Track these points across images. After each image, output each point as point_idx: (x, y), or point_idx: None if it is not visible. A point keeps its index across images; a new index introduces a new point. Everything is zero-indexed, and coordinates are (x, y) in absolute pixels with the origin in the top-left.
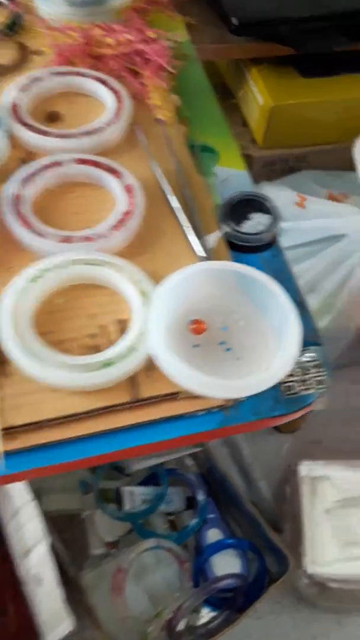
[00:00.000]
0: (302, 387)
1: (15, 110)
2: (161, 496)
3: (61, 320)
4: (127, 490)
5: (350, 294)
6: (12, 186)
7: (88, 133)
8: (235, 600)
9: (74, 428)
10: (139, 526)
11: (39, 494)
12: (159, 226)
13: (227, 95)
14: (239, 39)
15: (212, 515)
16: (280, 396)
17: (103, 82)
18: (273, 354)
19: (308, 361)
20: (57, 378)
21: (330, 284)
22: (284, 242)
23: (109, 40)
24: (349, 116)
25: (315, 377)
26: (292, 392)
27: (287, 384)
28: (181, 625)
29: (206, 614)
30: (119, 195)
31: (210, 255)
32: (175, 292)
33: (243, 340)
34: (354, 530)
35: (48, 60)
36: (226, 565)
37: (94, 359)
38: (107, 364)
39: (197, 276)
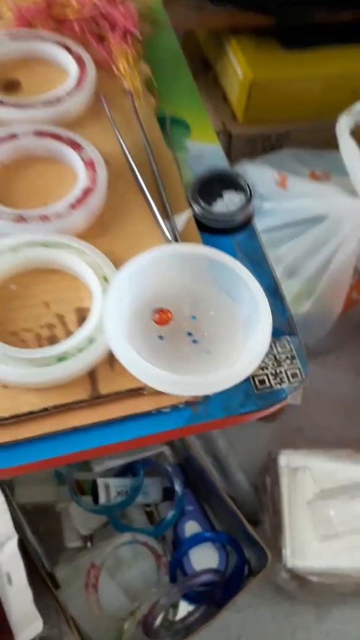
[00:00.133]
0: (275, 381)
1: None
2: (137, 488)
3: (13, 310)
4: (102, 482)
5: (332, 277)
6: None
7: (47, 103)
8: (213, 595)
9: (28, 428)
10: (114, 519)
11: (11, 485)
12: (123, 205)
13: (207, 69)
14: (218, 8)
15: (190, 507)
16: (251, 391)
17: (66, 48)
18: (243, 346)
19: (281, 352)
20: (7, 374)
21: (311, 267)
22: (264, 223)
23: (73, 1)
24: (332, 91)
25: (289, 369)
26: (264, 386)
27: (259, 378)
28: (158, 622)
29: (184, 609)
30: (80, 171)
31: (179, 237)
32: (137, 277)
33: (212, 332)
34: (333, 523)
35: (7, 23)
36: (204, 559)
37: (48, 352)
38: (62, 357)
39: (163, 261)
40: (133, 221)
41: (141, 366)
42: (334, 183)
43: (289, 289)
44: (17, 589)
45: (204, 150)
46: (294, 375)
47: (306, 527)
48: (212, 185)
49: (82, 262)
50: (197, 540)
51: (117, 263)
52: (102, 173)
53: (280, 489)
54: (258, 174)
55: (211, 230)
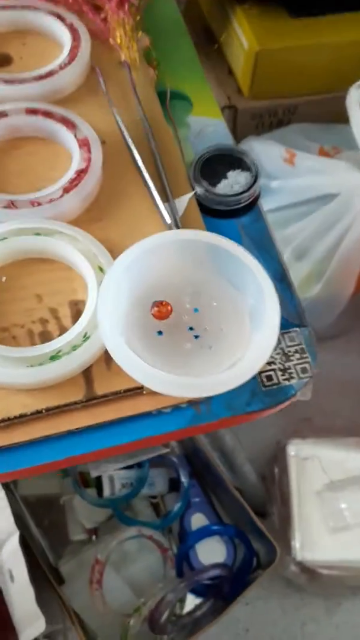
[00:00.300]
0: (284, 377)
1: None
2: (142, 480)
3: (3, 303)
4: (106, 474)
5: (343, 258)
6: None
7: (39, 78)
8: (221, 588)
9: (20, 431)
10: (119, 512)
11: None
12: (120, 187)
13: (210, 39)
14: None
15: (196, 499)
16: (258, 388)
17: (59, 17)
18: (248, 341)
19: (290, 346)
20: None
21: (321, 248)
22: (271, 202)
23: None
24: (343, 61)
25: (298, 364)
26: (272, 382)
27: (266, 373)
28: (164, 618)
29: (190, 602)
30: (74, 151)
31: (179, 221)
32: (134, 267)
33: (215, 325)
34: (344, 515)
35: None
36: (211, 552)
37: (40, 350)
38: (55, 356)
39: (162, 248)
40: (130, 205)
41: (138, 366)
42: (345, 159)
43: (298, 271)
44: (19, 586)
45: (207, 126)
46: (303, 370)
47: (316, 519)
48: (215, 165)
49: (75, 250)
50: (204, 533)
51: (114, 251)
52: (97, 153)
53: (289, 479)
54: (264, 150)
55: (215, 213)
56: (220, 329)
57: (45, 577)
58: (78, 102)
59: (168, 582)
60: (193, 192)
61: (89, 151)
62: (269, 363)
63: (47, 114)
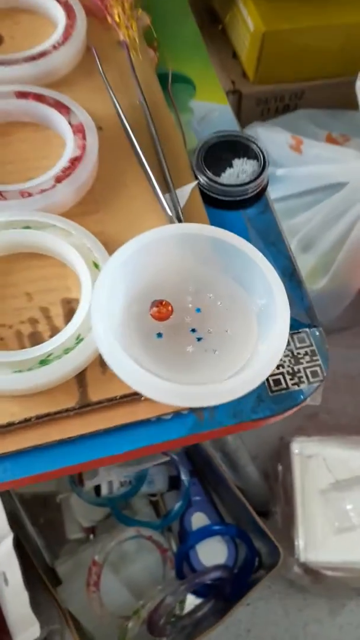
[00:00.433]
0: (293, 381)
1: None
2: (141, 478)
3: None
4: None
5: (351, 250)
6: None
7: (30, 59)
8: (222, 589)
9: (8, 441)
10: (117, 511)
11: None
12: (118, 177)
13: (214, 20)
14: None
15: (197, 498)
16: (265, 393)
17: None
18: (256, 345)
19: (300, 347)
20: None
21: (329, 239)
22: (277, 191)
23: None
24: (352, 44)
25: (308, 367)
26: (280, 387)
27: (274, 377)
28: (163, 620)
29: (191, 602)
30: (68, 138)
31: (181, 214)
32: (132, 264)
33: (220, 327)
34: (349, 515)
35: None
36: (212, 552)
37: (27, 354)
38: (44, 360)
39: (162, 243)
40: (128, 196)
41: (134, 373)
42: (354, 146)
43: (304, 263)
44: (12, 589)
45: (212, 111)
46: (314, 374)
47: (320, 519)
48: (220, 152)
49: (68, 245)
50: (204, 533)
51: (110, 246)
52: (93, 140)
53: (293, 477)
54: (270, 137)
55: (219, 204)
56: (225, 331)
57: (41, 578)
58: (73, 85)
59: (167, 584)
60: (196, 182)
61: (84, 138)
62: (277, 366)
63: (39, 98)
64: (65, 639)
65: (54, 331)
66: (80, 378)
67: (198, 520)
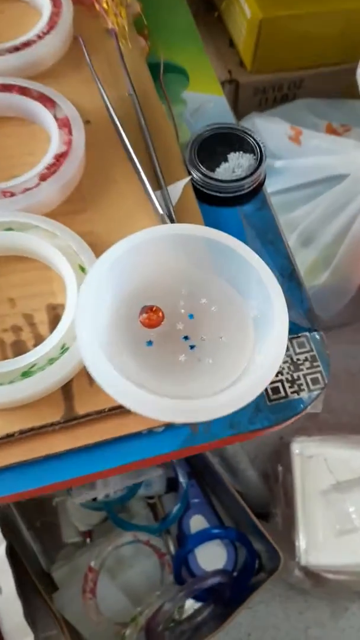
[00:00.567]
0: (292, 389)
1: None
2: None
3: None
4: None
5: (352, 244)
6: None
7: (14, 49)
8: (222, 593)
9: None
10: (114, 515)
11: None
12: (106, 174)
13: (210, 8)
14: None
15: (195, 500)
16: (263, 402)
17: None
18: (253, 353)
19: (300, 353)
20: None
21: (329, 233)
22: (275, 184)
23: None
24: (353, 30)
25: (309, 374)
26: (279, 395)
27: (272, 385)
28: (161, 627)
29: (190, 606)
30: (53, 133)
31: (173, 212)
32: (120, 267)
33: (214, 334)
34: (351, 517)
35: None
36: (211, 556)
37: (8, 366)
38: (27, 372)
39: (152, 245)
40: (117, 194)
41: (121, 386)
42: (354, 136)
43: (304, 258)
44: (6, 599)
45: (206, 102)
46: (314, 381)
47: (321, 521)
48: (214, 146)
49: (53, 247)
50: (203, 537)
51: (98, 247)
52: (79, 134)
53: (294, 478)
54: (268, 128)
55: (214, 201)
56: (220, 337)
57: (39, 582)
58: (58, 77)
59: (166, 589)
60: (189, 178)
61: (70, 132)
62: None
63: (23, 91)
64: None
65: (39, 339)
66: (66, 390)
67: (197, 523)
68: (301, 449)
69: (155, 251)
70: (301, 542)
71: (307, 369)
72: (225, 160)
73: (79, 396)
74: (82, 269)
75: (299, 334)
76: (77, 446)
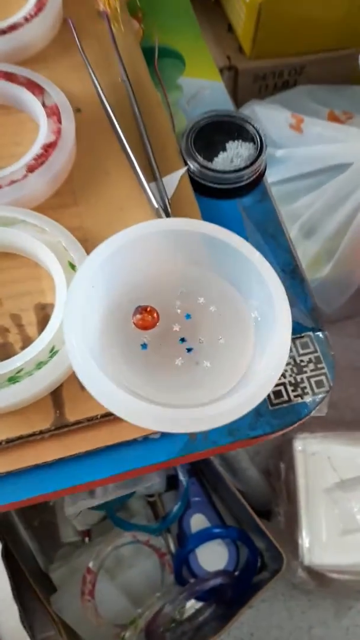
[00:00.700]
0: (295, 393)
1: None
2: (137, 480)
3: None
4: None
5: (356, 236)
6: None
7: (0, 33)
8: (223, 593)
9: None
10: (113, 515)
11: None
12: (98, 165)
13: None
14: None
15: (196, 499)
16: (264, 407)
17: None
18: (254, 357)
19: (303, 354)
20: None
21: (332, 224)
22: (276, 174)
23: None
24: (355, 14)
25: (312, 376)
26: (281, 399)
27: (274, 389)
28: (162, 630)
29: (191, 606)
30: (41, 121)
31: (169, 205)
32: (112, 264)
33: (212, 336)
34: (356, 517)
35: None
36: (213, 555)
37: None
38: (13, 378)
39: (146, 241)
40: (110, 186)
41: (111, 394)
42: (358, 124)
43: (306, 250)
44: (2, 603)
45: (203, 89)
46: (319, 384)
47: (325, 520)
48: (212, 134)
49: (41, 243)
50: (204, 537)
51: (89, 243)
52: (69, 123)
53: (296, 476)
54: (269, 116)
55: (212, 193)
56: (219, 339)
57: (36, 584)
58: (47, 62)
59: (166, 591)
60: (185, 168)
61: (59, 121)
62: None
63: (9, 77)
64: None
65: (27, 342)
66: (56, 396)
67: (197, 522)
68: (304, 445)
69: (150, 247)
70: (305, 542)
71: (311, 371)
72: (224, 149)
73: (69, 402)
74: (72, 267)
75: (302, 334)
76: (68, 455)
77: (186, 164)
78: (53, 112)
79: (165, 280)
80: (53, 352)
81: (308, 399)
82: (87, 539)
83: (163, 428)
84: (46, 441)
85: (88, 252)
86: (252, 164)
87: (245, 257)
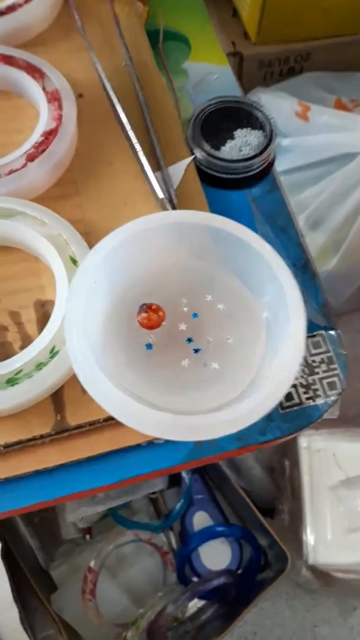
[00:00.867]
0: (307, 395)
1: None
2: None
3: None
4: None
5: None
6: None
7: None
8: (226, 592)
9: None
10: (114, 512)
11: None
12: (100, 153)
13: None
14: None
15: (199, 496)
16: (275, 411)
17: None
18: (265, 358)
19: (315, 354)
20: None
21: (339, 215)
22: (282, 164)
23: None
24: None
25: (325, 377)
26: (292, 402)
27: None
28: (164, 630)
29: (193, 605)
30: (41, 107)
31: (174, 196)
32: (115, 259)
33: (221, 336)
34: None
35: None
36: (216, 554)
37: None
38: (12, 379)
39: (151, 234)
40: (113, 175)
41: (114, 399)
42: None
43: (312, 242)
44: (1, 604)
45: (210, 74)
46: (331, 386)
47: (330, 518)
48: (220, 122)
49: (41, 236)
50: (207, 535)
51: (91, 236)
52: (70, 109)
53: (301, 473)
54: (274, 103)
55: (220, 183)
56: (227, 339)
57: (36, 582)
58: (48, 45)
59: (168, 590)
60: (192, 157)
61: (60, 107)
62: None
63: (9, 60)
64: None
65: (26, 340)
66: (57, 398)
67: (200, 520)
68: (309, 442)
69: (155, 241)
70: (309, 540)
71: (323, 372)
72: (232, 137)
73: (71, 405)
74: (74, 261)
75: (314, 333)
76: (69, 461)
77: (192, 152)
78: (54, 98)
79: (171, 277)
80: (53, 352)
81: (320, 401)
82: (88, 537)
83: (170, 436)
84: (46, 446)
85: (90, 246)
86: (261, 152)
87: (257, 252)
